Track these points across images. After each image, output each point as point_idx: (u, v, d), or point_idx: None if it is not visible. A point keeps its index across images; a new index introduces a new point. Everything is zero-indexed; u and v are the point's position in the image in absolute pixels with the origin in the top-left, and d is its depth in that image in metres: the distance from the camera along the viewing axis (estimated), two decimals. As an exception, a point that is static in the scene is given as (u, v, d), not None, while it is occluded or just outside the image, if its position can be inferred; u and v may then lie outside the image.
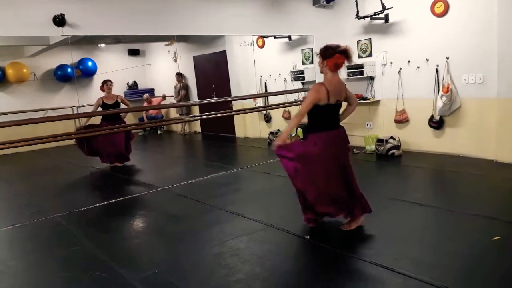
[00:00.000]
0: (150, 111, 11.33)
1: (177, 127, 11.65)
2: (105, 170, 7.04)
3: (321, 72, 3.52)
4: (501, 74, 5.26)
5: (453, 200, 4.33)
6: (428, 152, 6.26)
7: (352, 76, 6.91)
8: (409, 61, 6.32)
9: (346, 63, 3.47)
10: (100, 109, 6.92)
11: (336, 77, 3.47)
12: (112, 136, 6.87)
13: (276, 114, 8.73)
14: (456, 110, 5.85)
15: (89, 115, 6.50)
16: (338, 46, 3.42)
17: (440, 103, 5.86)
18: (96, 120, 6.99)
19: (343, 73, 6.96)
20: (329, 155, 3.44)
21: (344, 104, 3.67)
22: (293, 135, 7.56)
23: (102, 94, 7.07)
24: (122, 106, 7.13)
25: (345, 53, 3.38)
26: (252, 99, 8.69)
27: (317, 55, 3.60)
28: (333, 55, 3.37)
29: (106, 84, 7.05)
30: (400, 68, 6.46)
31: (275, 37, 7.97)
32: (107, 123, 6.73)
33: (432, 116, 6.14)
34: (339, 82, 3.50)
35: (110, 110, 6.84)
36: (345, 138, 3.62)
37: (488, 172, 5.09)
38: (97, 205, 4.99)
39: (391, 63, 6.58)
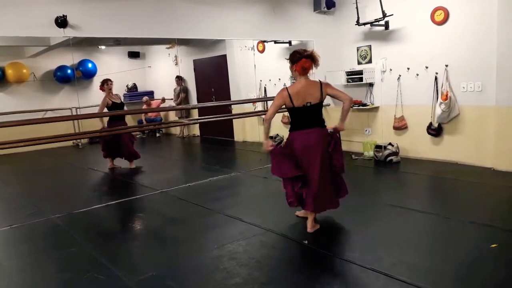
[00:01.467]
0: (149, 114, 11.35)
1: (176, 130, 11.65)
2: (104, 172, 7.04)
3: (293, 76, 3.67)
4: (499, 82, 5.29)
5: (451, 207, 4.34)
6: (426, 159, 6.28)
7: (352, 82, 6.94)
8: (408, 68, 6.36)
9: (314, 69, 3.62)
10: (106, 109, 6.82)
11: (303, 81, 3.58)
12: (119, 137, 6.86)
13: (275, 119, 8.59)
14: (455, 117, 5.87)
15: (93, 116, 6.50)
16: (305, 51, 3.59)
17: (438, 111, 5.88)
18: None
19: (342, 79, 7.00)
20: (303, 152, 3.58)
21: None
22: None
23: (103, 95, 6.99)
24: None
25: (310, 57, 3.55)
26: (252, 103, 8.72)
27: (286, 59, 3.74)
28: (300, 60, 3.53)
29: (107, 84, 6.86)
30: (400, 75, 6.49)
31: (275, 42, 8.01)
32: (115, 123, 6.70)
33: (430, 123, 6.16)
34: (306, 85, 3.57)
35: (114, 112, 6.77)
36: (322, 138, 3.62)
37: (485, 180, 5.11)
38: (96, 206, 4.98)
39: (391, 70, 6.62)
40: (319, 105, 3.62)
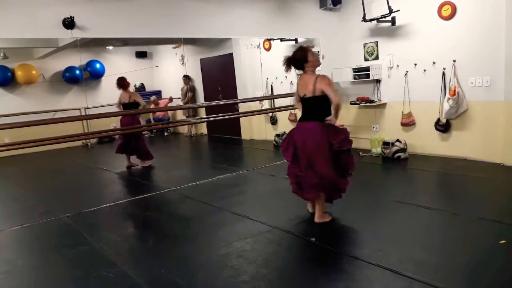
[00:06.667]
0: (157, 113, 11.41)
1: (184, 129, 11.71)
2: (113, 172, 7.10)
3: None
4: (508, 77, 5.23)
5: (459, 203, 4.31)
6: (435, 155, 6.24)
7: (359, 78, 6.91)
8: (415, 64, 6.31)
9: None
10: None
11: (304, 74, 3.75)
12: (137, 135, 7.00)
13: (282, 117, 8.74)
14: (463, 113, 5.82)
15: (99, 116, 6.54)
16: (299, 49, 3.72)
17: (446, 106, 5.84)
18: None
19: (349, 75, 6.98)
20: (298, 143, 3.73)
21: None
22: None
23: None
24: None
25: (290, 60, 3.73)
26: (258, 101, 8.73)
27: None
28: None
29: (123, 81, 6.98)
30: (407, 71, 6.45)
31: (281, 39, 8.00)
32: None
33: (438, 119, 6.12)
34: (305, 77, 3.73)
35: (123, 112, 6.84)
36: (310, 133, 3.65)
37: (495, 176, 5.06)
38: (105, 205, 5.03)
39: (398, 66, 6.58)
40: (314, 99, 3.63)
